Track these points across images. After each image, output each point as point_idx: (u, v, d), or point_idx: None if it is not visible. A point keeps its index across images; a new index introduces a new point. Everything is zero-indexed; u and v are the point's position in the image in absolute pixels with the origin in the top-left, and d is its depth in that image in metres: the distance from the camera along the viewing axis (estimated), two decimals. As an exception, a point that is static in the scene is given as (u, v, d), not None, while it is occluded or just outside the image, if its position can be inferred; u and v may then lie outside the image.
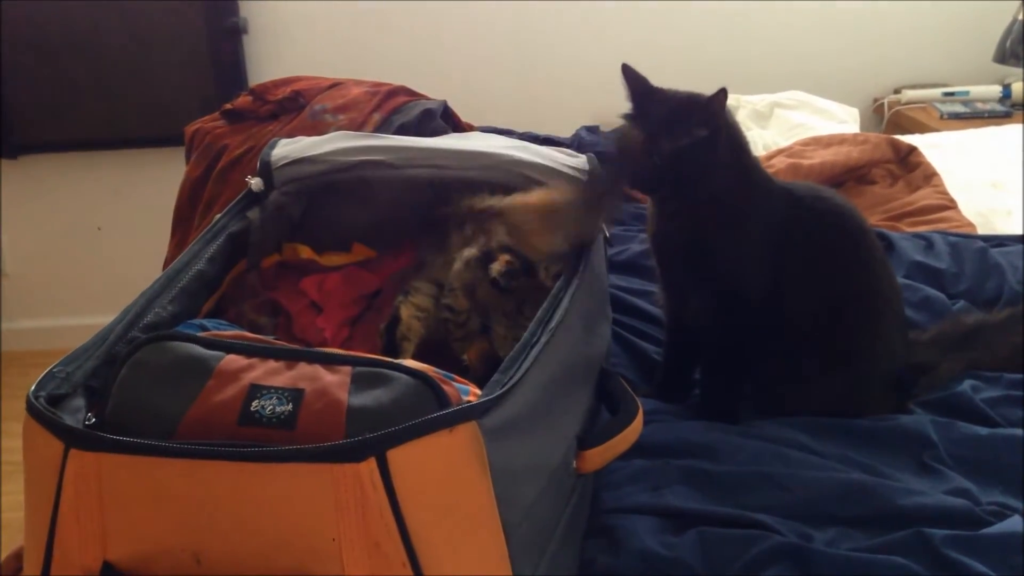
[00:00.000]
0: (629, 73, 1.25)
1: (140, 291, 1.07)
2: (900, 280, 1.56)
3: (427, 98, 1.98)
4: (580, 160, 1.33)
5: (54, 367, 0.90)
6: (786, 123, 2.53)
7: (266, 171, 1.31)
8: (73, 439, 0.79)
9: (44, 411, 0.81)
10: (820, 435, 1.26)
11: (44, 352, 3.12)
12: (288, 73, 2.16)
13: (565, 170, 1.31)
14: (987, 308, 1.57)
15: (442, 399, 0.83)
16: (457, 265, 1.14)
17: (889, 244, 1.74)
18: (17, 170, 3.06)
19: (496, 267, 1.17)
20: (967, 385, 1.36)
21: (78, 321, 3.15)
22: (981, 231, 1.88)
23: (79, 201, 3.13)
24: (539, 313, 0.98)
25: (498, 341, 1.13)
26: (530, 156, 1.33)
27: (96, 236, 3.17)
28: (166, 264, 1.90)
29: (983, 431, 1.26)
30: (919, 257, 1.69)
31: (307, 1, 2.95)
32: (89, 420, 0.85)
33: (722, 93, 1.21)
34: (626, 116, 1.26)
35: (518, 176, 1.30)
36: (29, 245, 3.18)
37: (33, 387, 0.85)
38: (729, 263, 1.28)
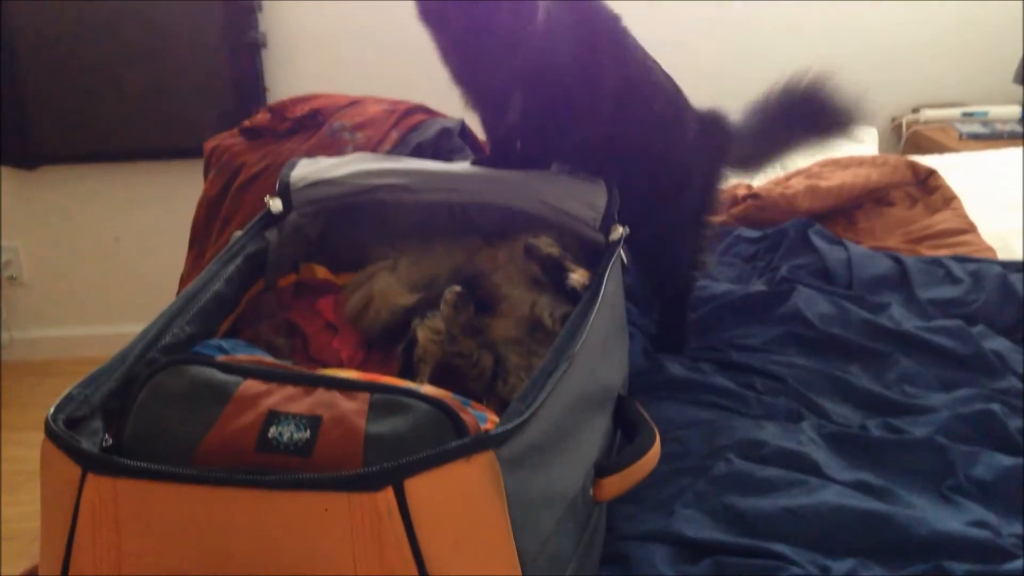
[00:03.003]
0: None
1: (155, 302, 1.08)
2: (919, 322, 1.57)
3: (445, 116, 1.98)
4: (599, 187, 1.32)
5: (73, 389, 0.89)
6: (804, 143, 2.52)
7: (285, 192, 1.31)
8: (90, 463, 0.79)
9: (62, 435, 0.81)
10: (837, 453, 1.25)
11: (60, 361, 3.16)
12: (306, 87, 2.17)
13: (581, 201, 1.30)
14: (1006, 334, 1.56)
15: (460, 427, 0.82)
16: (446, 310, 1.14)
17: (904, 271, 1.73)
18: (36, 180, 3.08)
19: (577, 278, 1.18)
20: (997, 407, 1.34)
21: (95, 331, 3.19)
22: (1000, 255, 1.87)
23: (97, 212, 3.15)
24: (556, 341, 0.98)
25: (512, 371, 1.13)
26: (549, 184, 1.33)
27: (113, 247, 3.19)
28: (183, 279, 1.90)
29: (1008, 460, 1.24)
30: (934, 294, 1.68)
31: (326, 17, 2.97)
32: (106, 442, 0.85)
33: None
34: None
35: (537, 202, 1.30)
36: (47, 255, 3.21)
37: (52, 409, 0.85)
38: None
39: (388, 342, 1.26)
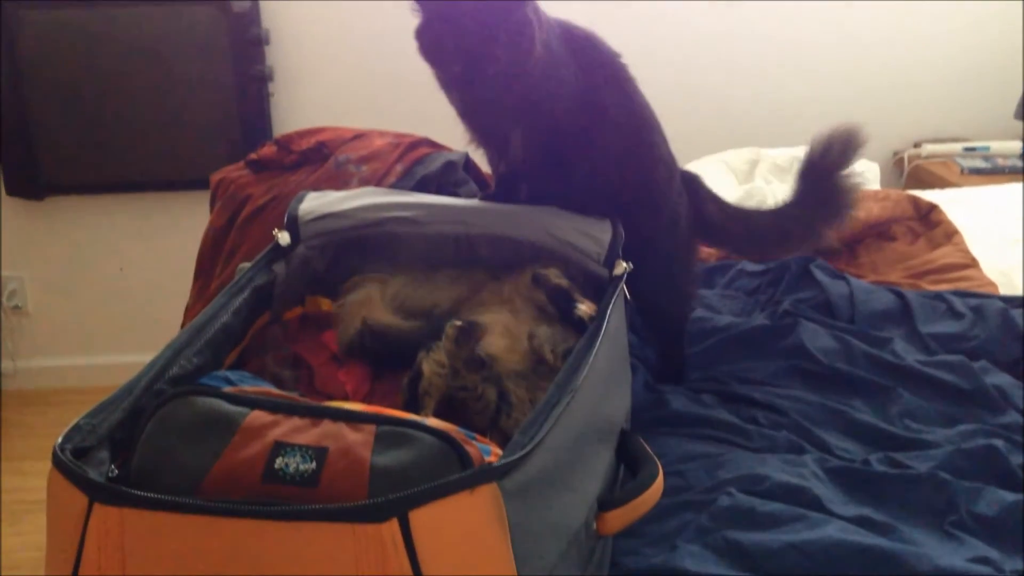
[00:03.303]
0: None
1: (160, 332, 1.09)
2: (921, 357, 1.58)
3: (449, 149, 2.00)
4: (604, 222, 1.33)
5: (80, 419, 0.90)
6: (806, 177, 2.54)
7: (293, 225, 1.32)
8: (97, 493, 0.80)
9: (70, 464, 0.82)
10: (839, 488, 1.26)
11: (63, 390, 3.16)
12: (312, 120, 2.19)
13: (587, 235, 1.32)
14: (1008, 369, 1.56)
15: (464, 459, 0.83)
16: (447, 344, 1.15)
17: (906, 305, 1.74)
18: (42, 211, 3.10)
19: (585, 309, 1.19)
20: (1000, 443, 1.35)
21: (99, 360, 3.19)
22: (1002, 289, 1.87)
23: (102, 242, 3.17)
24: (559, 375, 0.99)
25: (516, 405, 1.14)
26: (556, 217, 1.34)
27: (118, 277, 3.20)
28: (188, 310, 1.91)
29: (1010, 496, 1.24)
30: (936, 328, 1.68)
31: (332, 51, 3.00)
32: (112, 472, 0.86)
33: None
34: None
35: (545, 234, 1.32)
36: (52, 285, 3.22)
37: (60, 439, 0.86)
38: None
39: (360, 356, 1.28)
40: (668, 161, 1.48)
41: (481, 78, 1.25)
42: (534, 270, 1.26)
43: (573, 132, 1.37)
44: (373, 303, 1.31)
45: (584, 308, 1.19)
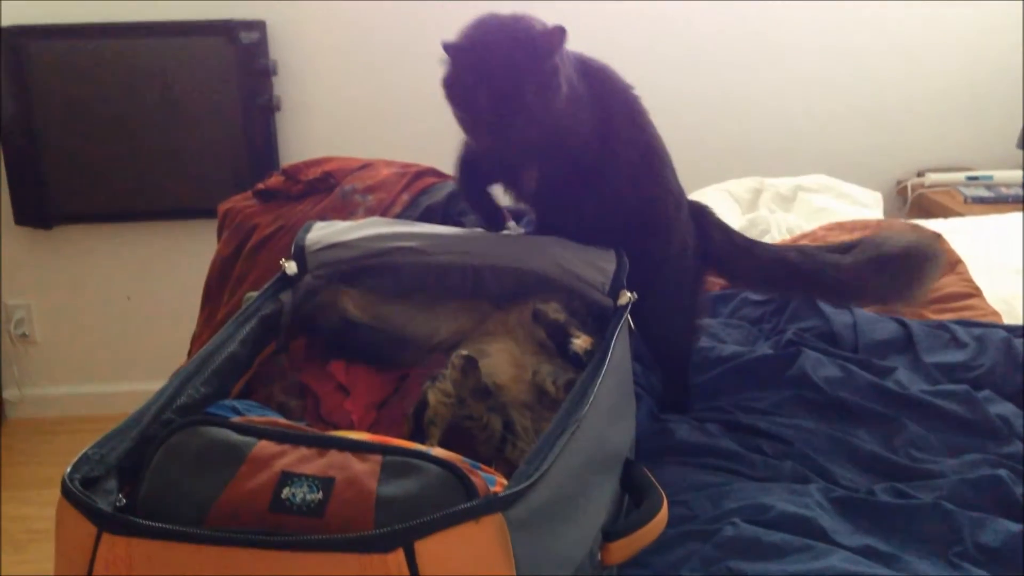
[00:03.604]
0: None
1: (166, 361, 1.09)
2: (925, 387, 1.58)
3: (454, 179, 2.01)
4: (608, 252, 1.35)
5: (89, 449, 0.91)
6: (809, 207, 2.55)
7: (300, 255, 1.34)
8: (106, 523, 0.81)
9: (78, 494, 0.83)
10: (844, 518, 1.26)
11: (70, 419, 3.17)
12: (318, 148, 2.21)
13: (592, 265, 1.33)
14: (1011, 399, 1.56)
15: (469, 489, 0.84)
16: (453, 375, 1.16)
17: (909, 335, 1.74)
18: (50, 239, 3.12)
19: (580, 344, 1.20)
20: (1004, 473, 1.35)
21: (105, 389, 3.20)
22: (1006, 319, 1.88)
23: (110, 271, 3.19)
24: (564, 405, 0.99)
25: (522, 434, 1.14)
26: (561, 247, 1.36)
27: (125, 305, 3.22)
28: (195, 338, 1.92)
29: (1014, 527, 1.24)
30: (939, 358, 1.69)
31: (338, 82, 3.03)
32: (120, 502, 0.87)
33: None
34: None
35: (550, 263, 1.33)
36: (58, 313, 3.24)
37: (69, 469, 0.86)
38: None
39: (326, 346, 1.30)
40: (677, 193, 1.49)
41: (508, 125, 1.26)
42: (535, 305, 1.27)
43: (586, 163, 1.38)
44: (352, 299, 1.32)
45: (579, 343, 1.20)
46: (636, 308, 1.30)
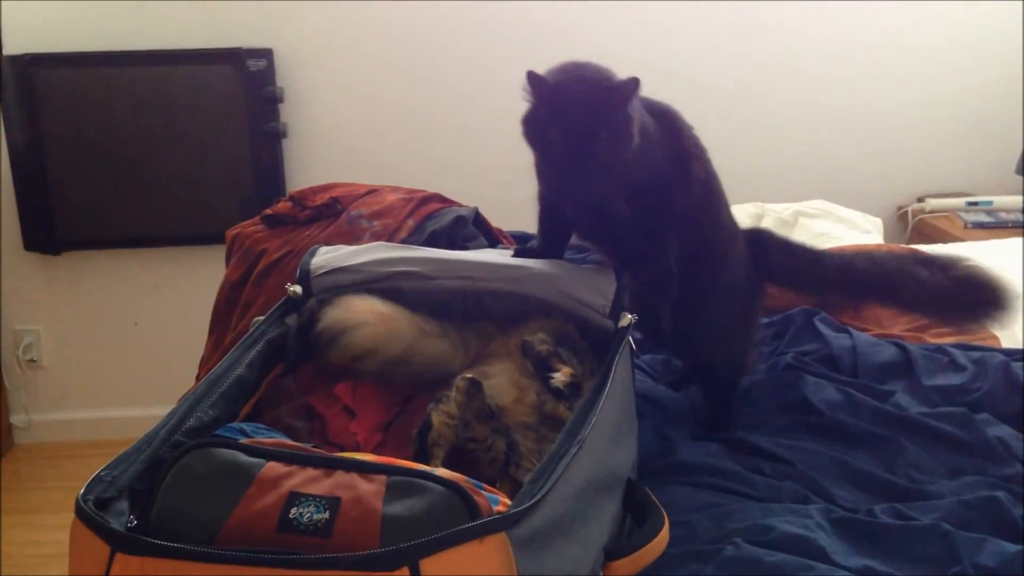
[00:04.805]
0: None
1: (174, 386, 1.11)
2: (924, 409, 1.60)
3: (459, 205, 2.04)
4: (608, 275, 1.37)
5: (101, 471, 0.93)
6: (809, 232, 2.57)
7: (305, 279, 1.36)
8: (119, 543, 0.83)
9: (92, 515, 0.85)
10: (844, 539, 1.27)
11: (78, 444, 3.18)
12: (325, 174, 2.23)
13: (593, 289, 1.35)
14: (1009, 421, 1.58)
15: (473, 509, 0.86)
16: (458, 397, 1.18)
17: (909, 358, 1.76)
18: (59, 265, 3.15)
19: (560, 378, 1.22)
20: (1002, 495, 1.36)
21: (114, 414, 3.22)
22: (1004, 343, 1.89)
23: (118, 296, 3.21)
24: (567, 425, 1.01)
25: (525, 455, 1.16)
26: (562, 272, 1.38)
27: (133, 331, 3.24)
28: (203, 363, 1.94)
29: (1012, 548, 1.25)
30: (938, 381, 1.70)
31: (344, 109, 3.06)
32: (131, 522, 0.89)
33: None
34: None
35: (552, 290, 1.35)
36: (67, 338, 3.26)
37: (82, 490, 0.89)
38: None
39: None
40: (731, 227, 1.53)
41: (580, 169, 1.27)
42: (523, 336, 1.29)
43: (651, 202, 1.39)
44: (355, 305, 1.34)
45: (559, 377, 1.23)
46: (683, 335, 1.32)
